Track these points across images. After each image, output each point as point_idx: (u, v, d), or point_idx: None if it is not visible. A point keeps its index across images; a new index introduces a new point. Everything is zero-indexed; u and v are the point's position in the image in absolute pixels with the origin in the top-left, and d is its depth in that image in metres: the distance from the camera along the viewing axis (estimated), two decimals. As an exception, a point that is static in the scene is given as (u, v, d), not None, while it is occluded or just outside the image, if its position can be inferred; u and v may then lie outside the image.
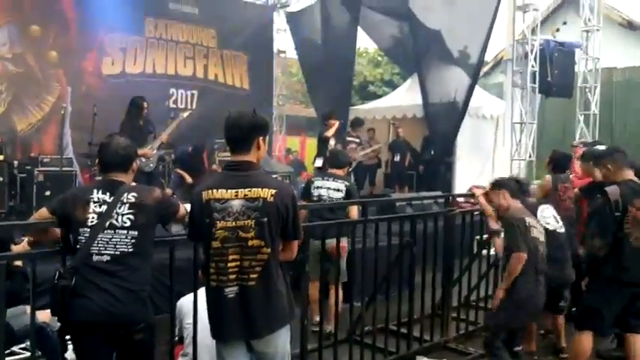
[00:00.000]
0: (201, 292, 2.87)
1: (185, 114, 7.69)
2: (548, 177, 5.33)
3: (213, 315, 2.65)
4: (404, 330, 4.62)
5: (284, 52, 12.95)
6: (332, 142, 8.87)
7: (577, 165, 5.89)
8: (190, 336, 3.24)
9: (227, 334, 2.62)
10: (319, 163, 8.86)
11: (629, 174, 3.86)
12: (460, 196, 6.37)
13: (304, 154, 14.77)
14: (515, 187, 4.06)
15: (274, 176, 3.77)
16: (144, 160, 6.66)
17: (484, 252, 5.45)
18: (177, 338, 3.39)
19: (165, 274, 3.23)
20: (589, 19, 10.37)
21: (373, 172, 10.68)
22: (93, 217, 2.63)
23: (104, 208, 2.64)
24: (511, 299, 3.83)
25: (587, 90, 10.52)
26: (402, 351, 4.50)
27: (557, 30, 10.43)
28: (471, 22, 9.00)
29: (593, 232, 3.82)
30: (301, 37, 11.90)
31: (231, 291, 2.55)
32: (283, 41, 12.73)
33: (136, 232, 2.64)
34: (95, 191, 2.70)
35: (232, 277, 2.55)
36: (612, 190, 3.72)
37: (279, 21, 12.52)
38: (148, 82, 9.94)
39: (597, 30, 10.39)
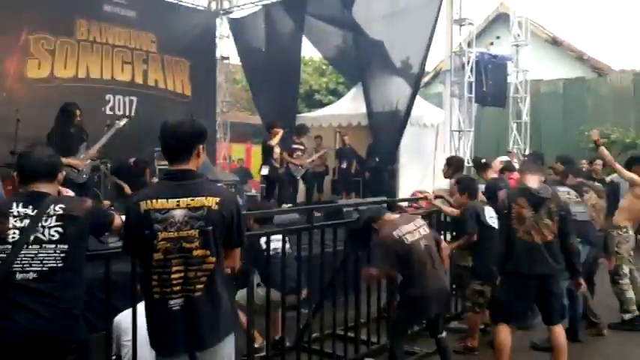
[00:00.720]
0: (140, 306, 2.65)
1: (122, 122, 6.95)
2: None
3: (155, 329, 2.46)
4: (351, 334, 4.53)
5: (227, 58, 12.68)
6: (276, 150, 8.73)
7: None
8: (129, 355, 3.00)
9: (172, 348, 2.44)
10: (265, 171, 8.70)
11: (533, 179, 4.03)
12: (404, 200, 6.36)
13: (250, 161, 14.52)
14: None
15: (218, 185, 3.60)
16: (75, 171, 6.10)
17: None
18: (114, 357, 3.13)
19: (100, 290, 2.99)
20: (518, 35, 10.78)
21: (321, 179, 10.62)
22: (14, 233, 2.36)
23: (26, 222, 2.38)
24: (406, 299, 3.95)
25: (518, 100, 10.91)
26: (349, 355, 4.43)
27: (491, 43, 10.78)
28: (411, 33, 9.10)
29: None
30: (245, 45, 11.70)
31: (175, 303, 2.38)
32: (227, 47, 12.47)
33: (66, 246, 2.40)
34: (15, 205, 2.42)
35: (177, 288, 2.39)
36: (501, 194, 4.06)
37: (223, 27, 12.26)
38: (81, 87, 9.23)
39: (526, 45, 10.85)
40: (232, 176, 10.91)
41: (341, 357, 4.37)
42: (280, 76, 10.93)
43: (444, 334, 4.10)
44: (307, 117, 11.65)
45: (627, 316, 5.38)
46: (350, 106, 10.89)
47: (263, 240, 3.92)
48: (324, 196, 10.38)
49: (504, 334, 4.02)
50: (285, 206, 7.98)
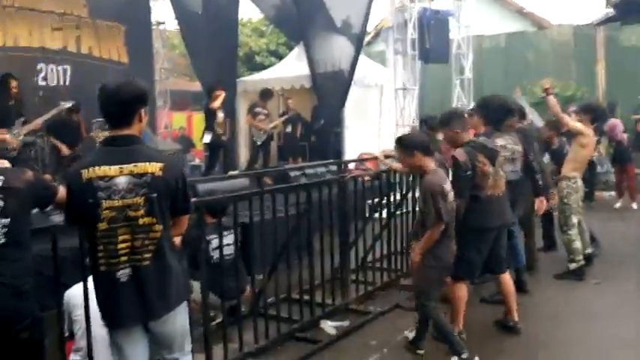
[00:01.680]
0: (90, 280, 2.65)
1: (67, 104, 6.81)
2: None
3: (104, 301, 2.46)
4: (307, 297, 4.65)
5: (163, 23, 12.29)
6: (220, 114, 8.60)
7: None
8: (82, 329, 2.99)
9: (123, 320, 2.46)
10: (207, 138, 8.56)
11: (467, 135, 4.22)
12: (351, 161, 6.47)
13: (191, 130, 14.26)
14: (426, 143, 3.94)
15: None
16: (7, 147, 5.87)
17: (376, 215, 5.62)
18: (67, 334, 3.12)
19: (47, 266, 2.94)
20: (460, -11, 10.95)
21: (266, 145, 10.58)
22: None
23: None
24: (431, 258, 3.84)
25: (461, 56, 11.15)
26: (305, 317, 4.54)
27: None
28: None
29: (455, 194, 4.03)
30: (181, 8, 11.31)
31: (123, 274, 2.39)
32: (162, 12, 12.06)
33: (8, 220, 2.36)
34: None
35: (124, 258, 2.39)
36: (459, 153, 4.04)
37: (157, -10, 11.81)
38: (9, 56, 8.73)
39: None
40: (174, 145, 10.73)
41: (296, 320, 4.49)
42: (218, 38, 10.69)
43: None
44: (249, 80, 11.50)
45: (573, 266, 5.65)
46: (293, 68, 10.80)
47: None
48: (271, 163, 10.39)
49: (464, 290, 4.20)
50: (231, 174, 7.95)
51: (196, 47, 11.30)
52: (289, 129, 10.44)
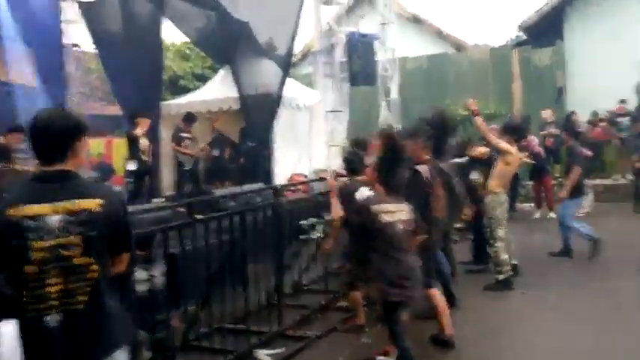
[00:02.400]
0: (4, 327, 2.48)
1: None
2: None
3: (31, 352, 2.27)
4: (242, 326, 4.59)
5: (77, 45, 11.88)
6: (142, 141, 8.42)
7: None
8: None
9: None
10: (132, 166, 8.35)
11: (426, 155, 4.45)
12: (288, 186, 6.50)
13: (111, 156, 13.77)
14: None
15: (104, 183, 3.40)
16: None
17: (313, 235, 5.67)
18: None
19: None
20: (384, 14, 11.38)
21: (194, 169, 10.41)
22: None
23: None
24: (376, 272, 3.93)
25: (387, 78, 11.53)
26: (241, 347, 4.46)
27: (358, 23, 11.24)
28: (277, 13, 9.19)
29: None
30: (99, 30, 10.98)
31: (53, 319, 2.22)
32: (77, 34, 11.66)
33: None
34: None
35: (55, 303, 2.23)
36: (423, 169, 4.20)
37: (70, 12, 11.42)
38: None
39: (392, 23, 11.48)
40: (91, 173, 10.31)
41: (231, 351, 4.41)
42: (140, 62, 10.45)
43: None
44: (173, 104, 11.29)
45: (501, 277, 5.96)
46: (219, 90, 10.72)
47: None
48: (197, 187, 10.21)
49: (437, 295, 4.49)
50: (156, 201, 7.76)
51: (116, 70, 10.97)
52: (217, 152, 10.34)
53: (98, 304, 2.31)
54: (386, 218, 3.85)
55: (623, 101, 12.20)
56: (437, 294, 4.57)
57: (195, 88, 14.11)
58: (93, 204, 2.28)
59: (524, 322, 5.12)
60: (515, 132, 6.31)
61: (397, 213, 3.89)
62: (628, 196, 10.41)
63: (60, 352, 2.25)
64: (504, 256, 5.98)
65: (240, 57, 9.73)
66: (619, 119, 12.07)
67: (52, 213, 2.23)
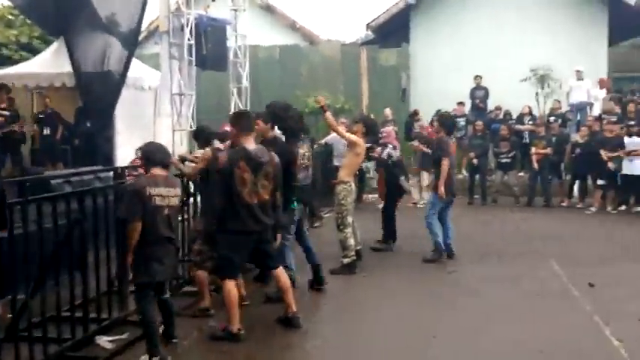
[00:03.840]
0: None
1: None
2: (208, 149, 5.81)
3: None
4: (79, 314, 4.50)
5: None
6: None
7: None
8: None
9: None
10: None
11: (249, 139, 4.65)
12: (128, 168, 6.39)
13: None
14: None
15: None
16: None
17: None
18: None
19: None
20: (236, 0, 11.53)
21: (16, 148, 9.68)
22: None
23: None
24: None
25: (238, 65, 11.70)
26: (78, 335, 4.40)
27: (208, 6, 11.21)
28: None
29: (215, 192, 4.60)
30: None
31: None
32: None
33: None
34: None
35: None
36: (222, 155, 4.56)
37: None
38: None
39: (244, 10, 11.66)
40: None
41: (68, 339, 4.33)
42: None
43: (168, 294, 4.52)
44: (-5, 75, 10.42)
45: (346, 261, 6.49)
46: (51, 64, 10.08)
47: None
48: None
49: (232, 287, 4.60)
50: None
51: None
52: (47, 131, 9.75)
53: None
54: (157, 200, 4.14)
55: (460, 103, 13.66)
56: (281, 274, 4.88)
57: (22, 58, 13.11)
58: None
59: (366, 304, 5.68)
60: (365, 125, 6.96)
61: (167, 197, 4.21)
62: (464, 191, 11.61)
63: None
64: (351, 242, 6.52)
65: (77, 30, 9.26)
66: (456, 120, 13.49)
67: None
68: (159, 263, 4.20)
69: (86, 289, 4.55)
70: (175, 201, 4.33)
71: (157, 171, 4.24)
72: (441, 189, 7.01)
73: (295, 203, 5.47)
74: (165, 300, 4.49)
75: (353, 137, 6.60)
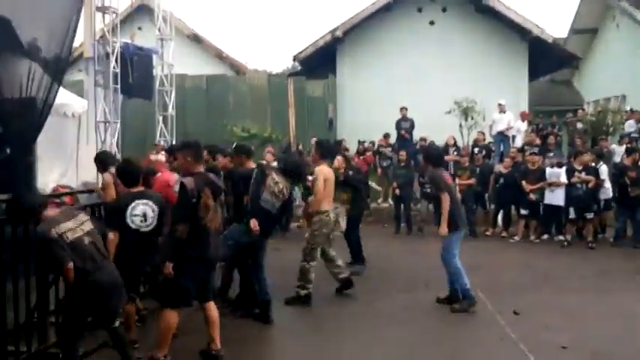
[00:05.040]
0: None
1: None
2: (108, 175, 5.86)
3: None
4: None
5: None
6: None
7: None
8: None
9: None
10: None
11: (200, 168, 4.77)
12: (52, 196, 6.29)
13: None
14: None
15: None
16: None
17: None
18: None
19: None
20: (163, 28, 11.64)
21: None
22: None
23: None
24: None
25: (164, 93, 11.77)
26: (-5, 370, 4.28)
27: (136, 32, 11.29)
28: (45, 12, 8.80)
29: (177, 218, 4.55)
30: None
31: None
32: None
33: None
34: None
35: None
36: (188, 181, 4.55)
37: None
38: None
39: (170, 39, 11.79)
40: None
41: (-19, 376, 4.22)
42: None
43: (117, 323, 4.46)
44: None
45: (304, 292, 6.44)
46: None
47: None
48: None
49: (174, 317, 4.59)
50: None
51: None
52: (-39, 159, 9.36)
53: None
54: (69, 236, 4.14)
55: (386, 135, 14.16)
56: (212, 307, 4.87)
57: None
58: None
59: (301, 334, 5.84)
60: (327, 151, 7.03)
61: (79, 228, 4.23)
62: (390, 219, 12.03)
63: None
64: (312, 276, 6.48)
65: (-2, 55, 9.04)
66: (382, 150, 13.97)
67: None
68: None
69: (3, 321, 4.44)
70: (89, 225, 4.30)
71: (49, 212, 4.28)
72: (444, 227, 6.27)
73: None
74: (115, 329, 4.44)
75: (316, 182, 6.54)
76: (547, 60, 16.96)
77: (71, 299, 4.26)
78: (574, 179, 10.32)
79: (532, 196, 10.82)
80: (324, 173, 6.58)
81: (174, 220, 4.58)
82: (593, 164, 10.60)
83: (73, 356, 4.24)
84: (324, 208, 6.56)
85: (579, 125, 14.92)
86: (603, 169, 10.59)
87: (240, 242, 5.82)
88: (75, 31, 8.67)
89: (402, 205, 11.91)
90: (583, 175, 10.33)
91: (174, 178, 5.99)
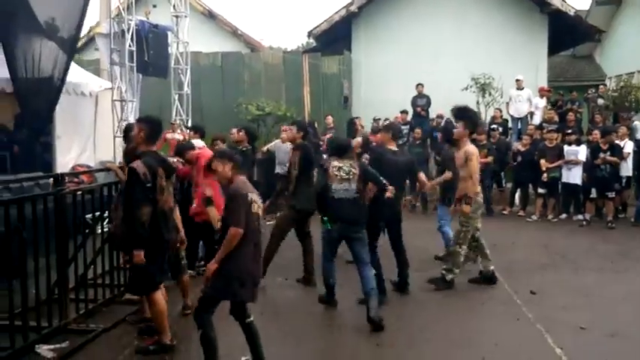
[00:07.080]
0: None
1: None
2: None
3: None
4: (18, 322, 4.49)
5: None
6: None
7: None
8: None
9: None
10: None
11: (153, 147, 4.57)
12: (70, 175, 6.39)
13: None
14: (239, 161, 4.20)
15: None
16: None
17: (98, 229, 5.70)
18: None
19: None
20: (177, 5, 11.59)
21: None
22: None
23: None
24: (221, 271, 3.94)
25: (179, 71, 11.74)
26: (17, 344, 4.39)
27: (150, 11, 11.21)
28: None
29: (139, 202, 4.32)
30: None
31: None
32: None
33: None
34: None
35: None
36: (138, 165, 4.34)
37: None
38: None
39: (185, 16, 11.72)
40: None
41: (6, 348, 4.31)
42: None
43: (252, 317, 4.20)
44: None
45: (450, 277, 6.36)
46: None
47: None
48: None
49: (160, 298, 4.54)
50: None
51: None
52: (-18, 138, 9.53)
53: None
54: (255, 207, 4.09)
55: (404, 111, 13.99)
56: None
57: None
58: None
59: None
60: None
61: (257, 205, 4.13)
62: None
63: None
64: (461, 260, 6.47)
65: (15, 34, 9.09)
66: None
67: None
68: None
69: (25, 298, 4.55)
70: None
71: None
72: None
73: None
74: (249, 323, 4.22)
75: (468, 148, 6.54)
76: (568, 34, 16.58)
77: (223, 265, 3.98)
78: (598, 161, 10.17)
79: (545, 176, 10.73)
80: (475, 153, 6.52)
81: (136, 205, 4.30)
82: (617, 141, 10.45)
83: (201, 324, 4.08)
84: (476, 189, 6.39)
85: (600, 101, 14.62)
86: (629, 144, 10.52)
87: (331, 237, 5.58)
88: (87, 9, 8.72)
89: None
90: (608, 155, 10.17)
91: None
